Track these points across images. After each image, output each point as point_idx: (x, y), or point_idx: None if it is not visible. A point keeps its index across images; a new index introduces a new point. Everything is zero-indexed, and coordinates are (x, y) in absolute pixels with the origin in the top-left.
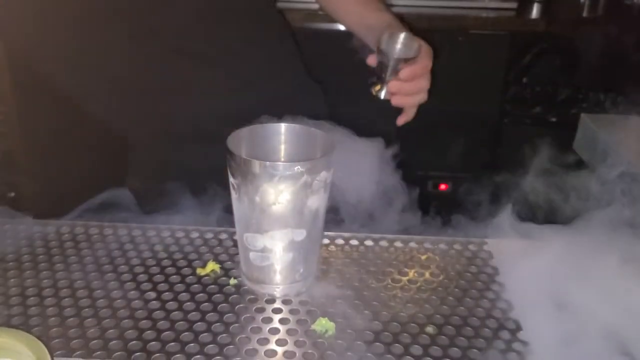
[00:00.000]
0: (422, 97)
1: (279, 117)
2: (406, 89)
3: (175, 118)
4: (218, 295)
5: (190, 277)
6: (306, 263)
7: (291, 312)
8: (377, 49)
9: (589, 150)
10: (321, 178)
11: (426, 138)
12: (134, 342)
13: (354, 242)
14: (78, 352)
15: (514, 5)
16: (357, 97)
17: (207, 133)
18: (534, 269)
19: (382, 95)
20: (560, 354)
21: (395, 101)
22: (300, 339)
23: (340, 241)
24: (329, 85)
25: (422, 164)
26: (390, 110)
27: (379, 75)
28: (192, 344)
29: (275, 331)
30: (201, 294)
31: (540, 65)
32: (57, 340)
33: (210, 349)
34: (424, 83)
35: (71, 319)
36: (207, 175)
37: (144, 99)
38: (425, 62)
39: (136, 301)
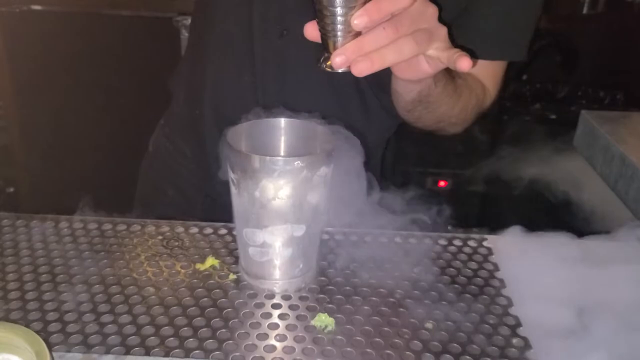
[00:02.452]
0: (408, 46)
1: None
2: (368, 42)
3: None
4: (217, 290)
5: (190, 272)
6: (305, 258)
7: (290, 307)
8: (315, 7)
9: (589, 147)
10: (321, 173)
11: (425, 135)
12: (132, 337)
13: (354, 238)
14: (76, 347)
15: None
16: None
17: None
18: (533, 265)
19: (338, 64)
20: (560, 350)
21: (360, 67)
22: (300, 334)
23: (339, 237)
24: None
25: (421, 161)
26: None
27: (325, 44)
28: (191, 339)
29: (274, 326)
30: (200, 289)
31: (540, 62)
32: (55, 334)
33: (210, 344)
34: (405, 24)
35: (70, 313)
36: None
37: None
38: None
39: (135, 296)
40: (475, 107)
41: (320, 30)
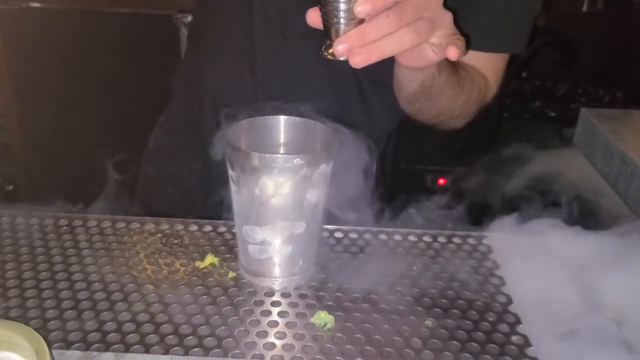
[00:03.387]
0: (408, 36)
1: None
2: (371, 31)
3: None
4: (217, 288)
5: (189, 270)
6: (305, 256)
7: (290, 305)
8: None
9: (589, 145)
10: (321, 171)
11: (425, 132)
12: (132, 334)
13: (353, 235)
14: (76, 345)
15: None
16: None
17: None
18: (533, 262)
19: (340, 52)
20: (559, 348)
21: (357, 59)
22: (299, 332)
23: (339, 234)
24: None
25: (421, 159)
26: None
27: (328, 32)
28: (190, 337)
29: (274, 324)
30: (200, 287)
31: (540, 60)
32: (55, 332)
33: (209, 342)
34: (409, 11)
35: (69, 311)
36: None
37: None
38: None
39: (134, 294)
40: (477, 101)
41: (322, 17)
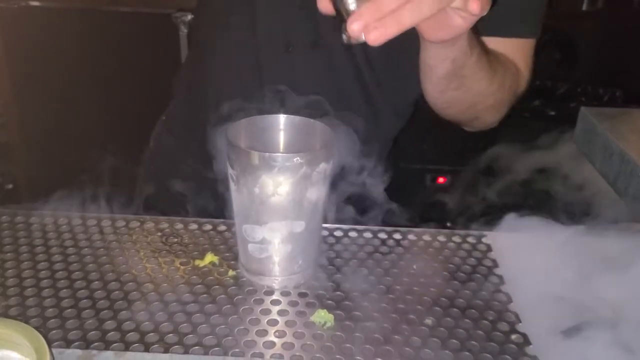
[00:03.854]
0: (428, 2)
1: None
2: (385, 4)
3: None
4: (216, 287)
5: (189, 268)
6: (305, 255)
7: (290, 303)
8: None
9: (589, 144)
10: (320, 169)
11: (424, 132)
12: (132, 333)
13: (353, 234)
14: (76, 344)
15: None
16: None
17: None
18: (532, 261)
19: (355, 31)
20: (559, 346)
21: (374, 35)
22: (299, 330)
23: (339, 233)
24: None
25: (421, 158)
26: None
27: (340, 14)
28: (190, 336)
29: (274, 323)
30: (199, 286)
31: (539, 59)
32: (55, 331)
33: (209, 340)
34: None
35: (69, 310)
36: None
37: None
38: None
39: (134, 293)
40: (511, 89)
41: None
